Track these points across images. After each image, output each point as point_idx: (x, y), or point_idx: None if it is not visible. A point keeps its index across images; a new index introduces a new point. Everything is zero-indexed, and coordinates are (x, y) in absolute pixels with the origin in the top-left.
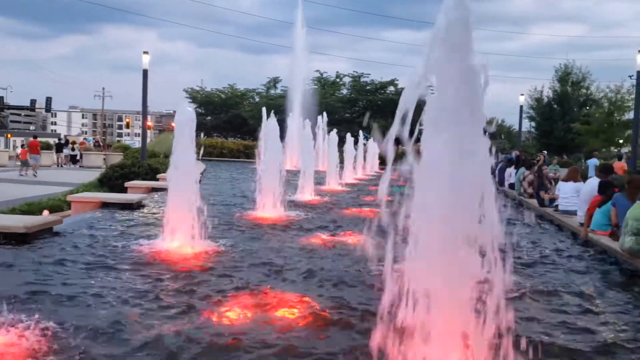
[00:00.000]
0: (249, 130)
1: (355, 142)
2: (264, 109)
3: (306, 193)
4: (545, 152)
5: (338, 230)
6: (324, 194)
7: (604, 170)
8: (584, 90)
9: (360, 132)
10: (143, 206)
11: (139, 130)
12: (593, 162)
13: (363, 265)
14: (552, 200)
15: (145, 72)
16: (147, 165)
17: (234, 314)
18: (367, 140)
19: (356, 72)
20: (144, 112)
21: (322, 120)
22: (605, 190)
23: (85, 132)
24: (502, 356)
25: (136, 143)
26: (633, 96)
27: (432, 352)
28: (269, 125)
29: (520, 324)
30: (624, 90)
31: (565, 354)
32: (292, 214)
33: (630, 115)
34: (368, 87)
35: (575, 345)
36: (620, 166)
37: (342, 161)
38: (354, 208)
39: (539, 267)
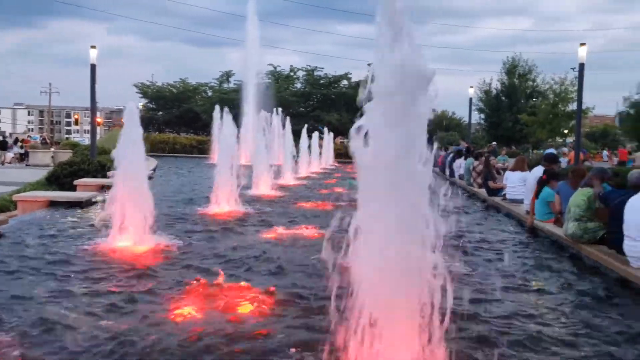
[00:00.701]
0: (203, 125)
1: (310, 136)
2: (217, 107)
3: (261, 187)
4: (495, 143)
5: (293, 224)
6: (280, 188)
7: (549, 160)
8: (530, 83)
9: (322, 127)
10: (93, 204)
11: (89, 127)
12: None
13: (318, 258)
14: (500, 189)
15: (93, 67)
16: (97, 162)
17: (188, 309)
18: (323, 133)
19: (310, 65)
20: (93, 108)
21: (277, 114)
22: (549, 179)
23: (32, 130)
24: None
25: (86, 140)
26: (576, 88)
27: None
28: (222, 120)
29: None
30: (568, 82)
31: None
32: (247, 209)
33: (573, 106)
34: (322, 81)
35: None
36: (572, 156)
37: (298, 154)
38: (310, 201)
39: (482, 252)
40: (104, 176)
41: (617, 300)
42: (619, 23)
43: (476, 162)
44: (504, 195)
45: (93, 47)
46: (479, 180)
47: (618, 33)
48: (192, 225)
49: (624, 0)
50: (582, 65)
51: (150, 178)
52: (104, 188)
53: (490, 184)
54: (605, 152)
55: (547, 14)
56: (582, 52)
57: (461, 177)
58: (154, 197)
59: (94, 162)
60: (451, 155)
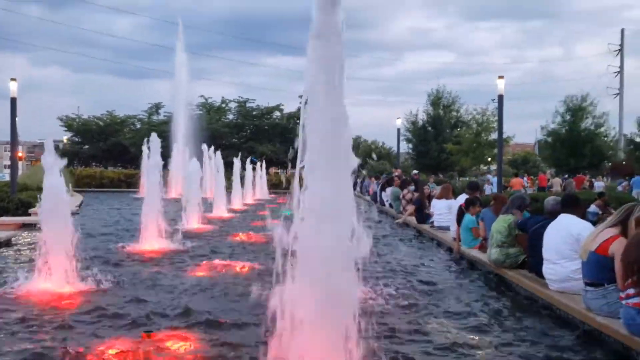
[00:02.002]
0: (131, 158)
1: (243, 167)
2: (146, 139)
3: (192, 222)
4: (417, 171)
5: (221, 259)
6: (211, 221)
7: (471, 187)
8: (454, 113)
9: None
10: (12, 245)
11: (9, 162)
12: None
13: (247, 296)
14: (428, 216)
15: (13, 101)
16: (18, 199)
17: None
18: (256, 164)
19: (242, 97)
20: (13, 143)
21: (208, 146)
22: (467, 207)
23: None
24: None
25: (6, 175)
26: (497, 118)
27: None
28: (150, 152)
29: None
30: (489, 113)
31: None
32: (177, 245)
33: (495, 135)
34: (254, 112)
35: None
36: (518, 182)
37: (230, 187)
38: (241, 233)
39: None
40: (25, 214)
41: (530, 320)
42: (533, 57)
43: (405, 191)
44: (432, 222)
45: (13, 79)
46: (408, 207)
47: (532, 66)
48: (117, 264)
49: (535, 37)
50: (501, 97)
51: (74, 214)
52: (25, 226)
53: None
54: (525, 179)
55: (468, 49)
56: (501, 85)
57: (391, 205)
58: (78, 235)
59: (14, 200)
60: (381, 183)
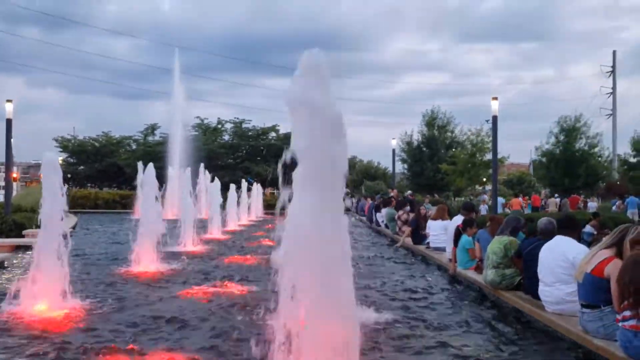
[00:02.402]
0: (126, 179)
1: (238, 188)
2: (140, 163)
3: (187, 243)
4: (410, 191)
5: (217, 281)
6: (206, 242)
7: (466, 208)
8: (449, 134)
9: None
10: (5, 267)
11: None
12: (500, 200)
13: (241, 318)
14: (424, 237)
15: (9, 122)
16: (12, 220)
17: None
18: (251, 185)
19: (238, 118)
20: (9, 164)
21: (203, 167)
22: (465, 228)
23: None
24: None
25: (0, 196)
26: (491, 138)
27: None
28: (146, 175)
29: None
30: (483, 133)
31: None
32: (171, 266)
33: (490, 155)
34: (250, 133)
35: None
36: (517, 202)
37: (224, 207)
38: (237, 255)
39: (409, 302)
40: (19, 235)
41: (528, 342)
42: (527, 78)
43: (401, 211)
44: (428, 243)
45: (9, 101)
46: (404, 228)
47: (526, 87)
48: (112, 286)
49: (529, 59)
50: (495, 118)
51: (68, 236)
52: (19, 248)
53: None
54: (500, 200)
55: (462, 70)
56: (495, 106)
57: (387, 226)
58: (72, 256)
59: (8, 221)
60: (375, 204)
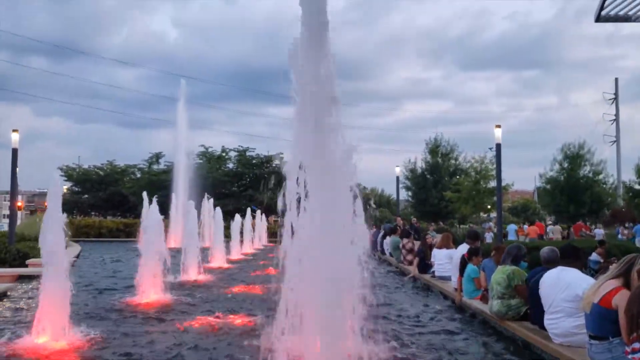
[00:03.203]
0: (130, 207)
1: (242, 216)
2: (144, 193)
3: (191, 272)
4: (415, 219)
5: (221, 311)
6: (210, 271)
7: (471, 237)
8: (452, 161)
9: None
10: (9, 297)
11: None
12: (512, 227)
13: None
14: (430, 266)
15: (14, 151)
16: (16, 250)
17: None
18: (255, 212)
19: (242, 146)
20: (13, 193)
21: (207, 196)
22: (470, 257)
23: None
24: None
25: (4, 226)
26: (495, 166)
27: None
28: (150, 206)
29: None
30: (487, 161)
31: None
32: (175, 297)
33: (494, 183)
34: (254, 161)
35: None
36: (534, 230)
37: (229, 235)
38: (241, 285)
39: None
40: (22, 265)
41: None
42: (529, 105)
43: (405, 240)
44: (433, 272)
45: (15, 130)
46: (409, 257)
47: (529, 114)
48: (114, 317)
49: (531, 86)
50: (498, 145)
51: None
52: (22, 278)
53: (413, 262)
54: (514, 227)
55: (464, 97)
56: (498, 133)
57: (391, 254)
58: (75, 286)
59: (12, 250)
60: (382, 232)
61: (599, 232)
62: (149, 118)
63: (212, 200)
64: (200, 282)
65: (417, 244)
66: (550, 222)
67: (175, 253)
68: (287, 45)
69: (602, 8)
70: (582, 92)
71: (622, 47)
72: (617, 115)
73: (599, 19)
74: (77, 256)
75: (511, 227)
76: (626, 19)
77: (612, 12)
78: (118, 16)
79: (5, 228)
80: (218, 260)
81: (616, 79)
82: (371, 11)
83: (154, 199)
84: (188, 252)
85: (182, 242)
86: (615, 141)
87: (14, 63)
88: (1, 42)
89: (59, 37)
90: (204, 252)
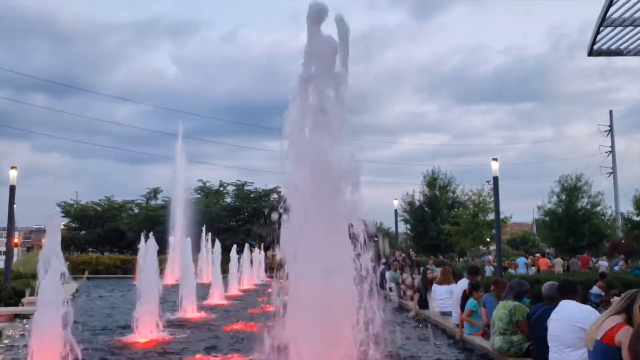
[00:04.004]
0: (127, 243)
1: (240, 251)
2: (143, 234)
3: (188, 310)
4: (414, 253)
5: (218, 352)
6: (208, 308)
7: (471, 272)
8: (450, 194)
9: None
10: (3, 337)
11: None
12: (522, 260)
13: None
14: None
15: (12, 189)
16: (12, 288)
17: None
18: (253, 248)
19: (240, 180)
20: (10, 230)
21: (206, 230)
22: (471, 292)
23: None
24: None
25: (1, 262)
26: (493, 199)
27: None
28: (147, 244)
29: None
30: (485, 194)
31: None
32: (171, 335)
33: (492, 215)
34: (252, 195)
35: None
36: (545, 262)
37: (226, 271)
38: (239, 323)
39: None
40: (18, 303)
41: None
42: (526, 138)
43: (405, 275)
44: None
45: (13, 167)
46: (409, 292)
47: (526, 146)
48: (111, 358)
49: (527, 119)
50: (496, 179)
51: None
52: (18, 317)
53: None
54: (523, 260)
55: (461, 130)
56: (495, 167)
57: (391, 289)
58: (71, 325)
59: (7, 288)
60: (382, 267)
61: (603, 264)
62: (148, 153)
63: (210, 235)
64: (198, 319)
65: (417, 278)
66: (549, 254)
67: (173, 290)
68: (285, 80)
69: (594, 42)
70: (577, 124)
71: (615, 79)
72: (612, 147)
73: (591, 53)
74: (74, 294)
75: (520, 260)
76: (618, 53)
77: (604, 47)
78: (118, 54)
79: (2, 265)
80: (216, 297)
81: (610, 111)
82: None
83: (151, 235)
84: (185, 289)
85: (179, 278)
86: (612, 173)
87: (15, 100)
88: (2, 80)
89: (60, 74)
90: (202, 288)
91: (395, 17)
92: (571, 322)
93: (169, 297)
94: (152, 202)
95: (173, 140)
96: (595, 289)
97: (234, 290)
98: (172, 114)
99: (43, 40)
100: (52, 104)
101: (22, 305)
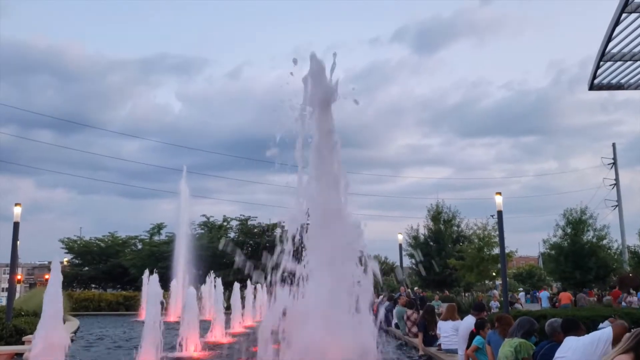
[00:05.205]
0: (130, 280)
1: (243, 287)
2: (146, 271)
3: (190, 348)
4: (419, 288)
5: None
6: (209, 346)
7: (477, 309)
8: (455, 228)
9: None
10: None
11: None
12: (545, 294)
13: None
14: (435, 338)
15: (16, 225)
16: (13, 326)
17: None
18: (257, 284)
19: (243, 215)
20: (13, 266)
21: (208, 267)
22: (478, 330)
23: None
24: None
25: (2, 300)
26: (497, 233)
27: None
28: (150, 283)
29: None
30: (490, 228)
31: None
32: None
33: (497, 250)
34: (255, 230)
35: None
36: (567, 296)
37: (229, 307)
38: None
39: None
40: (20, 342)
41: None
42: (529, 171)
43: (410, 311)
44: (439, 345)
45: (18, 204)
46: (414, 329)
47: (530, 179)
48: None
49: (531, 152)
50: (500, 213)
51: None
52: (19, 356)
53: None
54: (546, 293)
55: (464, 164)
56: (499, 200)
57: (397, 325)
58: None
59: (8, 327)
60: (387, 303)
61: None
62: (152, 189)
63: (212, 274)
64: (200, 358)
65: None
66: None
67: (175, 327)
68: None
69: (594, 77)
70: (581, 157)
71: (617, 113)
72: (617, 179)
73: (592, 87)
74: (75, 332)
75: (544, 295)
76: (618, 87)
77: (605, 81)
78: (123, 90)
79: (4, 302)
80: (218, 334)
81: (614, 144)
82: (370, 82)
83: (155, 272)
84: (187, 326)
85: (182, 315)
86: (617, 206)
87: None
88: (8, 117)
89: (66, 110)
90: (205, 325)
91: (396, 53)
92: (576, 349)
93: (172, 334)
94: (156, 238)
95: (177, 176)
96: (605, 324)
97: (237, 327)
98: (176, 150)
99: (49, 77)
100: (58, 140)
101: (24, 344)
